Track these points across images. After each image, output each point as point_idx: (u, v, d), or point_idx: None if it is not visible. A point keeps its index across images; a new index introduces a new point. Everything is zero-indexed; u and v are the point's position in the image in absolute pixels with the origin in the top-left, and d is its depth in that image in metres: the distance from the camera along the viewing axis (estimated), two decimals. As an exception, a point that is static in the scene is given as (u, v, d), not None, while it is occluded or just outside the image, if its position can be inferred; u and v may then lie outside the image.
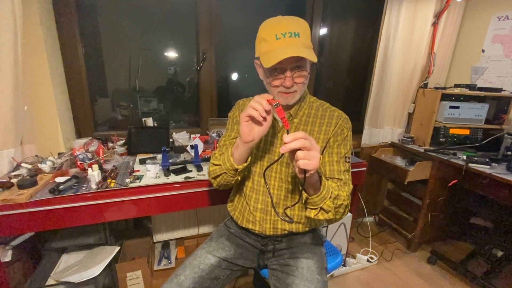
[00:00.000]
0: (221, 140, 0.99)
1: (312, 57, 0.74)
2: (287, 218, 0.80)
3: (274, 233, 0.93)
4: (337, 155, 0.86)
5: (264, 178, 0.83)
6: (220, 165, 0.87)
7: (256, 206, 0.93)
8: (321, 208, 0.75)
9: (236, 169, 0.84)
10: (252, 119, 0.76)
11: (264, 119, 0.75)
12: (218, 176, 0.90)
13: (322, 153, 0.87)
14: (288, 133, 0.65)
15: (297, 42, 0.74)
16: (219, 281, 0.92)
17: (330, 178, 0.84)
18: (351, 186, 0.86)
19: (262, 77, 0.87)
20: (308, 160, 0.63)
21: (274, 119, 0.91)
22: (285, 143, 0.63)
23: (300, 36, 0.75)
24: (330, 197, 0.74)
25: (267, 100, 0.72)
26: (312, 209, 0.77)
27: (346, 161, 0.87)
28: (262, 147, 0.92)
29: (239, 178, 0.90)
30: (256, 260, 1.00)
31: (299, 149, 0.63)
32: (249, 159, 0.86)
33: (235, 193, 1.03)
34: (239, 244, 1.00)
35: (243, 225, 0.96)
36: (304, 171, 0.65)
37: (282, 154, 0.73)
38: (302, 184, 0.71)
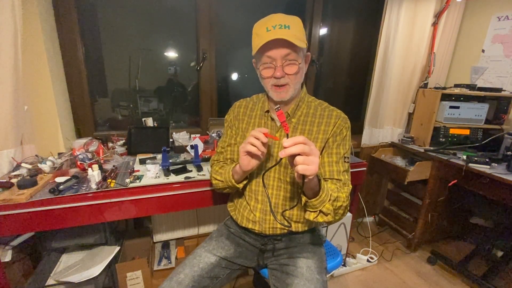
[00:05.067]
0: (218, 145, 1.04)
1: (299, 43, 0.76)
2: (285, 223, 0.80)
3: (274, 232, 0.93)
4: (337, 155, 0.86)
5: (263, 183, 0.84)
6: (223, 181, 0.93)
7: (256, 206, 0.93)
8: (320, 211, 0.75)
9: (238, 187, 0.92)
10: (249, 153, 0.79)
11: (262, 154, 0.78)
12: (223, 189, 0.97)
13: (321, 153, 0.87)
14: (287, 137, 0.65)
15: (287, 32, 0.75)
16: (219, 280, 0.92)
17: (330, 179, 0.84)
18: (351, 186, 0.86)
19: (258, 75, 0.88)
20: (307, 166, 0.63)
21: (272, 119, 0.91)
22: (284, 148, 0.63)
23: (291, 28, 0.76)
24: (329, 200, 0.74)
25: (264, 134, 0.75)
26: (311, 211, 0.77)
27: (345, 161, 0.87)
28: None
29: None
30: (256, 259, 1.00)
31: (298, 154, 0.63)
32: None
33: (235, 193, 1.03)
34: (239, 243, 1.00)
35: (243, 225, 0.96)
36: (303, 176, 0.65)
37: (281, 158, 0.74)
38: (301, 188, 0.71)
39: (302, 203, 0.77)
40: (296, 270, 0.88)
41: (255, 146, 0.75)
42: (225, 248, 0.97)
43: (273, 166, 0.84)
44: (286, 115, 0.89)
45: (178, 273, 0.87)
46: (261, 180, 0.90)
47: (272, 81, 0.82)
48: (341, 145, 0.87)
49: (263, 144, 0.76)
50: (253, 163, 0.81)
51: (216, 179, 0.96)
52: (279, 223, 0.89)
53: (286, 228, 0.90)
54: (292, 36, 0.75)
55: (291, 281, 0.85)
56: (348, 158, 0.88)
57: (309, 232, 0.98)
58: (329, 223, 0.81)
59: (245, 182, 0.92)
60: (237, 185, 0.91)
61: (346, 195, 0.80)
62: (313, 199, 0.73)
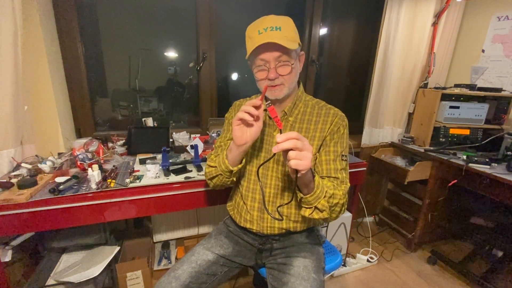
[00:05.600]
0: (217, 141, 1.02)
1: (290, 44, 0.76)
2: (277, 216, 0.80)
3: (272, 232, 0.93)
4: (334, 153, 0.86)
5: (258, 176, 0.84)
6: (216, 166, 0.90)
7: (253, 205, 0.93)
8: (316, 207, 0.76)
9: (231, 171, 0.87)
10: (243, 121, 0.78)
11: (256, 119, 0.77)
12: (214, 177, 0.92)
13: (318, 151, 0.88)
14: (281, 132, 0.66)
15: (278, 34, 0.76)
16: (216, 277, 0.93)
17: (327, 177, 0.84)
18: (348, 185, 0.86)
19: (254, 76, 0.88)
20: (300, 160, 0.63)
21: (270, 118, 0.91)
22: (277, 143, 0.64)
23: (282, 30, 0.77)
24: (324, 197, 0.75)
25: (259, 99, 0.76)
26: (306, 208, 0.78)
27: (343, 159, 0.87)
28: (258, 146, 0.92)
29: (234, 179, 0.92)
30: (254, 258, 1.00)
31: (292, 149, 0.64)
32: (244, 160, 0.88)
33: (234, 192, 1.04)
34: (237, 242, 1.00)
35: (241, 225, 0.97)
36: (296, 171, 0.65)
37: (274, 154, 0.75)
38: (295, 184, 0.72)
39: (298, 199, 0.77)
40: (292, 269, 0.88)
41: (247, 112, 0.75)
42: (223, 247, 0.98)
43: (267, 161, 0.84)
44: (283, 113, 0.90)
45: (176, 269, 0.88)
46: (257, 177, 0.90)
47: (267, 82, 0.83)
48: (338, 143, 0.87)
49: (257, 108, 0.76)
50: (247, 136, 0.79)
51: (210, 166, 0.93)
52: (270, 216, 0.89)
53: (278, 220, 0.89)
54: (283, 38, 0.76)
55: (287, 279, 0.85)
56: (345, 156, 0.88)
57: (307, 232, 0.98)
58: (326, 220, 0.81)
59: (240, 166, 0.87)
60: (230, 167, 0.85)
61: (343, 192, 0.80)
62: (307, 195, 0.74)
